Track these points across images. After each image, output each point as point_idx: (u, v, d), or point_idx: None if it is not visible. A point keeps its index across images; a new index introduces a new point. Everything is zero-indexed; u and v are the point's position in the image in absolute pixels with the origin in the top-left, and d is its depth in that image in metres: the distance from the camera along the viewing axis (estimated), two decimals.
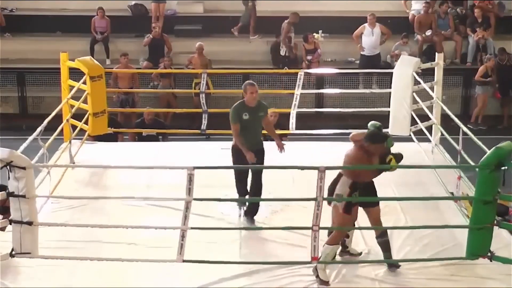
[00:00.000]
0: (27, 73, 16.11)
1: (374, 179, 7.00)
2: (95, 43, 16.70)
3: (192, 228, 6.61)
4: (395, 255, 7.17)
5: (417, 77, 10.14)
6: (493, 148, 6.46)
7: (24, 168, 6.38)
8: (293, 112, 10.77)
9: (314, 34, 16.81)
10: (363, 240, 7.40)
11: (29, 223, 6.49)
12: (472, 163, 7.73)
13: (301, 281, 6.80)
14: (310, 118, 13.83)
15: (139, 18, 17.40)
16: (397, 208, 8.14)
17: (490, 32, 16.85)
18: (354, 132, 6.94)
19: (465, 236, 6.72)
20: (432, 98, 10.17)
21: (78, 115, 10.07)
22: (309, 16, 17.07)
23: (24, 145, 7.29)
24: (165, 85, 15.37)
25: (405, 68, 10.24)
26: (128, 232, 7.23)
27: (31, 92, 16.08)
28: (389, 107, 10.52)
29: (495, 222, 6.62)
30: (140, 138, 12.50)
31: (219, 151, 9.91)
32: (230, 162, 8.09)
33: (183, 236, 6.57)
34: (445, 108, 9.45)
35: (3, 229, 6.92)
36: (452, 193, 8.35)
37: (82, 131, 10.26)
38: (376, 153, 6.76)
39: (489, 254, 6.64)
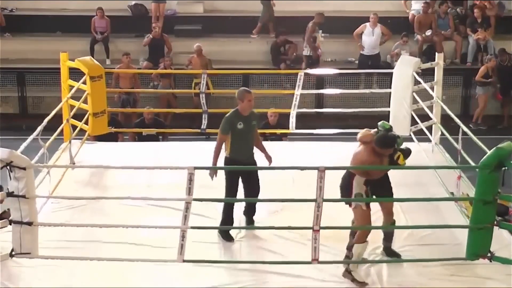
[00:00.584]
0: (27, 73, 16.10)
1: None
2: (95, 43, 16.70)
3: (192, 227, 6.60)
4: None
5: (417, 77, 10.14)
6: (494, 148, 6.46)
7: (24, 168, 6.38)
8: (293, 112, 10.78)
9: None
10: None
11: (29, 223, 6.49)
12: (472, 163, 7.74)
13: (301, 281, 6.81)
14: (310, 118, 13.83)
15: (139, 18, 17.39)
16: (397, 208, 8.12)
17: (490, 32, 16.85)
18: (362, 131, 6.96)
19: (465, 236, 6.72)
20: (432, 98, 10.17)
21: (78, 115, 10.07)
22: (309, 16, 17.07)
23: (24, 145, 7.29)
24: (165, 85, 15.37)
25: (405, 68, 10.24)
26: (128, 232, 7.24)
27: (31, 92, 16.08)
28: (389, 107, 10.52)
29: (495, 222, 6.62)
30: (140, 138, 12.51)
31: None
32: None
33: (183, 236, 6.56)
34: (445, 107, 9.45)
35: None
36: (452, 193, 8.35)
37: (82, 131, 10.26)
38: (386, 154, 6.80)
39: (489, 254, 6.63)
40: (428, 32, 16.70)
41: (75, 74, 10.45)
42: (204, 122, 10.88)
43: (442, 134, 9.74)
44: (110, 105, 11.74)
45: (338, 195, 6.95)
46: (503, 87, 15.90)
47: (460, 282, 6.77)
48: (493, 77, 15.67)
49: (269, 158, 7.95)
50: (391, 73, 10.53)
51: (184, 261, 6.62)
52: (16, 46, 16.74)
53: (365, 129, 7.02)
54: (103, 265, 6.85)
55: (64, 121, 9.58)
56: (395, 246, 7.34)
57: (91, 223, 7.41)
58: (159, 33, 16.33)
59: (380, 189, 7.00)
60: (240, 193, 7.85)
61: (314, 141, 10.79)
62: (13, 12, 17.65)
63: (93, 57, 11.94)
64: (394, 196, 7.29)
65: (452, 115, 8.91)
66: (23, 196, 6.41)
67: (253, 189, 7.73)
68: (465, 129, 8.39)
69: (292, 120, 10.75)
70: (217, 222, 7.73)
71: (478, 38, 16.58)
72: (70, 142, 9.70)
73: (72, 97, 9.80)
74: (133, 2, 17.58)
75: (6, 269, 6.77)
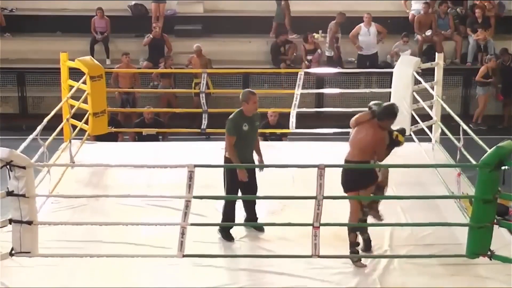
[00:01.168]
0: (27, 73, 16.10)
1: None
2: (95, 43, 16.70)
3: (192, 224, 6.59)
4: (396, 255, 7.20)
5: (417, 77, 10.14)
6: (494, 147, 6.46)
7: (24, 168, 6.38)
8: (293, 112, 10.78)
9: (314, 34, 16.82)
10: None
11: (29, 223, 6.48)
12: (473, 162, 7.73)
13: (301, 281, 6.81)
14: (310, 118, 13.82)
15: (139, 18, 17.39)
16: (397, 208, 8.13)
17: (490, 32, 16.85)
18: (354, 117, 7.15)
19: (465, 235, 6.72)
20: (432, 98, 10.17)
21: (78, 115, 10.07)
22: (309, 16, 17.09)
23: (24, 144, 7.28)
24: (165, 85, 15.37)
25: (405, 68, 10.24)
26: (128, 232, 7.24)
27: (31, 92, 16.08)
28: None
29: (495, 221, 6.62)
30: (140, 137, 12.50)
31: (219, 151, 9.90)
32: None
33: (183, 233, 6.56)
34: (445, 106, 9.45)
35: None
36: (452, 193, 8.34)
37: (82, 131, 10.26)
38: (387, 129, 7.02)
39: (489, 253, 6.63)
40: (428, 32, 16.70)
41: (75, 74, 10.45)
42: (204, 122, 10.89)
43: (442, 133, 9.74)
44: (110, 105, 11.73)
45: (337, 193, 6.95)
46: (504, 87, 15.89)
47: (460, 282, 6.76)
48: (493, 77, 15.65)
49: (261, 163, 7.87)
50: (391, 73, 10.53)
51: (184, 256, 6.60)
52: (16, 46, 16.75)
53: (357, 114, 7.18)
54: (103, 265, 6.84)
55: (64, 121, 9.58)
56: (396, 245, 7.35)
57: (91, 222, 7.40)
58: (159, 33, 16.34)
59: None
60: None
61: (314, 141, 10.79)
62: (13, 12, 17.66)
63: (93, 57, 11.93)
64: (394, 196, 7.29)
65: (453, 114, 8.90)
66: (23, 195, 6.40)
67: (251, 192, 7.66)
68: (466, 127, 8.39)
69: (292, 120, 10.75)
70: (217, 222, 7.72)
71: (478, 38, 16.59)
72: (70, 142, 9.70)
73: (72, 97, 9.80)
74: (133, 2, 17.58)
75: (6, 268, 6.77)
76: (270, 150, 9.90)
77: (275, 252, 7.28)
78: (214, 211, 7.96)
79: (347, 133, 7.24)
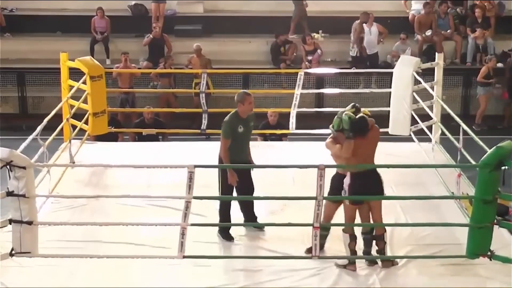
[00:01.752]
0: (27, 73, 16.10)
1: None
2: (95, 43, 16.71)
3: (192, 224, 6.60)
4: (396, 255, 7.19)
5: (417, 77, 10.14)
6: (494, 147, 6.46)
7: (24, 168, 6.38)
8: (293, 112, 10.77)
9: (314, 34, 16.82)
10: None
11: (29, 223, 6.48)
12: (473, 162, 7.73)
13: (301, 281, 6.81)
14: (310, 118, 13.81)
15: (139, 18, 17.40)
16: (397, 208, 8.13)
17: (490, 32, 16.85)
18: (329, 146, 7.11)
19: (465, 235, 6.72)
20: (432, 98, 10.17)
21: (78, 115, 10.07)
22: (309, 16, 17.08)
23: (24, 144, 7.28)
24: (164, 85, 15.37)
25: (405, 68, 10.23)
26: (128, 233, 7.24)
27: (31, 92, 16.08)
28: (389, 107, 10.52)
29: (495, 221, 6.62)
30: (140, 137, 12.50)
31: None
32: None
33: (183, 234, 6.56)
34: (445, 106, 9.45)
35: None
36: (452, 193, 8.34)
37: (82, 131, 10.26)
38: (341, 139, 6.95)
39: (489, 253, 6.63)
40: (428, 32, 16.70)
41: (75, 74, 10.45)
42: (204, 122, 10.89)
43: (442, 134, 9.73)
44: (111, 105, 11.73)
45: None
46: (510, 86, 15.83)
47: (460, 282, 6.76)
48: (494, 77, 15.65)
49: (250, 163, 7.82)
50: (391, 73, 10.52)
51: (184, 257, 6.60)
52: (16, 46, 16.75)
53: (328, 141, 7.14)
54: (103, 265, 6.84)
55: (64, 121, 9.58)
56: (396, 245, 7.34)
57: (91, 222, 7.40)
58: (159, 33, 16.33)
59: (369, 186, 6.93)
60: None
61: (314, 141, 10.77)
62: (13, 12, 17.67)
63: (93, 57, 11.95)
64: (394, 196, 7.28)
65: (453, 114, 8.90)
66: (23, 196, 6.40)
67: (246, 192, 7.64)
68: (466, 128, 8.39)
69: (292, 121, 10.74)
70: (217, 222, 7.73)
71: (475, 37, 16.57)
72: (70, 142, 9.70)
73: (72, 97, 9.80)
74: (133, 2, 17.58)
75: (6, 268, 6.77)
76: (270, 150, 9.92)
77: (275, 252, 7.28)
78: (214, 211, 7.95)
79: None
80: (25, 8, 17.68)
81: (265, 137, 11.66)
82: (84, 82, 10.02)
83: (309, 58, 16.25)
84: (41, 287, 6.64)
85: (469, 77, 16.10)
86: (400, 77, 10.23)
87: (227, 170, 7.46)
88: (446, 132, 9.21)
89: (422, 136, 10.21)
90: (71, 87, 10.02)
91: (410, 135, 10.23)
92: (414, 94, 10.18)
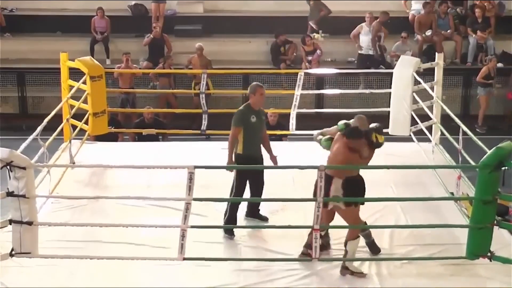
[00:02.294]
0: (27, 73, 16.09)
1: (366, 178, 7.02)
2: (95, 43, 16.70)
3: (192, 226, 6.60)
4: (396, 255, 7.19)
5: (417, 77, 10.14)
6: (494, 148, 6.46)
7: (24, 168, 6.38)
8: (293, 113, 10.77)
9: (314, 34, 16.82)
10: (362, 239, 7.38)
11: (29, 223, 6.48)
12: (473, 163, 7.74)
13: (301, 281, 6.81)
14: (310, 118, 13.80)
15: (139, 18, 17.39)
16: (397, 208, 8.14)
17: (490, 32, 16.84)
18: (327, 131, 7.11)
19: (465, 236, 6.72)
20: (432, 98, 10.17)
21: (78, 115, 10.07)
22: (308, 16, 17.07)
23: (24, 145, 7.29)
24: (163, 85, 15.35)
25: (405, 68, 10.24)
26: (128, 233, 7.24)
27: (31, 92, 16.07)
28: (389, 107, 10.52)
29: (495, 222, 6.62)
30: (140, 137, 12.50)
31: (219, 151, 9.90)
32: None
33: (183, 236, 6.56)
34: (445, 107, 9.45)
35: None
36: (452, 193, 8.35)
37: (82, 131, 10.26)
38: (361, 148, 6.82)
39: (489, 254, 6.63)
40: (428, 32, 16.70)
41: (75, 74, 10.45)
42: (204, 123, 10.88)
43: (442, 134, 9.73)
44: (111, 105, 11.72)
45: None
46: None
47: (460, 282, 6.76)
48: (494, 78, 15.64)
49: (274, 159, 7.98)
50: (391, 73, 10.52)
51: (184, 259, 6.60)
52: (16, 46, 16.74)
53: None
54: (103, 265, 6.85)
55: (64, 121, 9.58)
56: (396, 245, 7.35)
57: (91, 223, 7.41)
58: (159, 33, 16.33)
59: (355, 190, 6.91)
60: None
61: (314, 141, 10.76)
62: (13, 12, 17.65)
63: (93, 57, 11.95)
64: (394, 196, 7.28)
65: (452, 115, 8.90)
66: (23, 196, 6.41)
67: (260, 188, 7.79)
68: (465, 129, 8.39)
69: (292, 122, 10.74)
70: (217, 222, 7.73)
71: (478, 37, 16.56)
72: (70, 142, 9.70)
73: (72, 97, 9.80)
74: (133, 2, 17.58)
75: (6, 268, 6.77)
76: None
77: (276, 252, 7.28)
78: (214, 212, 7.96)
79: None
80: (25, 8, 17.66)
81: (270, 137, 11.63)
82: (84, 82, 10.02)
83: (309, 58, 16.25)
84: (41, 287, 6.64)
85: (469, 77, 16.08)
86: (400, 77, 10.23)
87: (228, 158, 7.60)
88: (446, 134, 9.21)
89: (422, 136, 10.21)
90: (71, 87, 10.02)
91: (410, 135, 10.23)
92: (414, 94, 10.18)
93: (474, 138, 7.73)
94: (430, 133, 10.16)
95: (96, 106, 10.11)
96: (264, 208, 8.09)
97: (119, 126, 12.52)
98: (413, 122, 10.17)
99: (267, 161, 7.97)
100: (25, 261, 6.76)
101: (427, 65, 10.83)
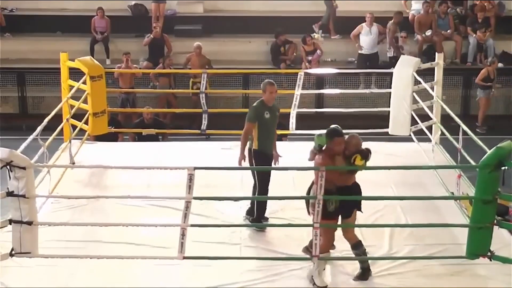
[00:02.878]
0: (27, 73, 16.08)
1: (359, 184, 6.93)
2: (95, 43, 16.70)
3: (192, 225, 6.60)
4: (396, 255, 7.19)
5: (417, 77, 10.14)
6: (494, 148, 6.46)
7: (24, 168, 6.38)
8: (293, 112, 10.77)
9: (314, 34, 16.82)
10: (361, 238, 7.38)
11: (29, 223, 6.48)
12: (473, 163, 7.74)
13: (301, 281, 6.81)
14: (310, 118, 13.81)
15: (139, 18, 17.39)
16: (397, 208, 8.14)
17: (490, 32, 16.84)
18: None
19: (465, 236, 6.72)
20: (432, 98, 10.17)
21: (78, 115, 10.07)
22: (309, 16, 17.08)
23: (24, 144, 7.29)
24: (163, 85, 15.35)
25: (405, 68, 10.24)
26: (128, 233, 7.24)
27: (31, 92, 16.06)
28: (389, 107, 10.52)
29: (495, 221, 6.62)
30: (140, 137, 12.50)
31: (219, 151, 9.92)
32: (231, 163, 8.07)
33: (183, 235, 6.56)
34: (445, 107, 9.45)
35: None
36: (452, 193, 8.34)
37: (82, 131, 10.26)
38: (336, 152, 6.73)
39: (489, 253, 6.63)
40: (428, 32, 16.70)
41: (75, 74, 10.45)
42: (204, 123, 10.88)
43: (442, 134, 9.74)
44: (111, 105, 11.72)
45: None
46: None
47: (460, 282, 6.77)
48: (495, 78, 15.62)
49: (276, 157, 8.01)
50: (391, 73, 10.53)
51: (184, 258, 6.60)
52: (16, 46, 16.74)
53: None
54: (103, 265, 6.85)
55: (64, 121, 9.58)
56: (396, 245, 7.35)
57: (91, 223, 7.41)
58: (159, 33, 16.33)
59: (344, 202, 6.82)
60: (243, 192, 7.84)
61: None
62: (13, 12, 17.66)
63: (93, 57, 11.94)
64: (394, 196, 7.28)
65: (452, 114, 8.90)
66: (23, 196, 6.41)
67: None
68: (465, 128, 8.39)
69: (292, 121, 10.75)
70: (217, 222, 7.74)
71: (478, 37, 16.56)
72: (70, 142, 9.70)
73: (72, 97, 9.80)
74: (133, 2, 17.58)
75: (6, 268, 6.77)
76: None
77: (276, 251, 7.29)
78: (215, 211, 7.97)
79: (347, 134, 7.21)
80: (25, 8, 17.67)
81: None
82: (84, 82, 10.02)
83: (309, 58, 16.25)
84: (41, 287, 6.64)
85: (469, 77, 16.06)
86: (400, 77, 10.24)
87: (240, 154, 7.69)
88: (446, 133, 9.21)
89: (422, 136, 10.21)
90: (71, 87, 10.02)
91: (410, 135, 10.23)
92: (414, 94, 10.19)
93: (474, 137, 7.74)
94: (430, 133, 10.16)
95: (96, 106, 10.11)
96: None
97: (119, 126, 12.52)
98: (413, 122, 10.18)
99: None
100: (25, 261, 6.76)
101: (427, 65, 10.83)
